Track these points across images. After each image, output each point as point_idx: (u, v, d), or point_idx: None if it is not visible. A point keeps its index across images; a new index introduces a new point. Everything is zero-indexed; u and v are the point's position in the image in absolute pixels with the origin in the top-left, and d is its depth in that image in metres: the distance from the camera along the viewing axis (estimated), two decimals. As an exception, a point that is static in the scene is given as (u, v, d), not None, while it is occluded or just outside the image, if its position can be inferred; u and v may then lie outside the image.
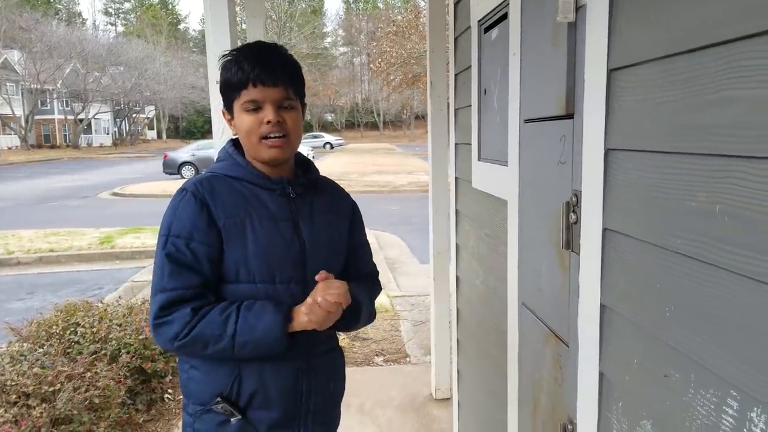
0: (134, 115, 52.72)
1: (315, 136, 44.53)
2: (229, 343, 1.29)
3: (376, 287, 1.59)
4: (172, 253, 1.31)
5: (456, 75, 2.51)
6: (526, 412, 1.61)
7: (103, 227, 10.59)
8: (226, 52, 1.40)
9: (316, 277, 1.34)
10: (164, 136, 55.44)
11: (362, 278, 1.53)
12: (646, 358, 0.96)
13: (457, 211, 2.58)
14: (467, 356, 2.44)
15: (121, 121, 52.47)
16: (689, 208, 0.82)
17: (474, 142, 2.11)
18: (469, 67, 2.14)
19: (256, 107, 1.35)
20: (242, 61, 1.35)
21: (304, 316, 1.31)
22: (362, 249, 1.59)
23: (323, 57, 58.44)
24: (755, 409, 0.71)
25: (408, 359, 4.43)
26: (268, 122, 1.34)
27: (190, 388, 1.41)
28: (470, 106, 2.14)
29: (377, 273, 1.63)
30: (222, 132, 2.43)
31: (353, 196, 1.62)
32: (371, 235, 9.10)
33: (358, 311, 1.44)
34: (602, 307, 1.09)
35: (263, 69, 1.34)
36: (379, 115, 64.72)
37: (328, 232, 1.47)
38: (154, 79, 45.91)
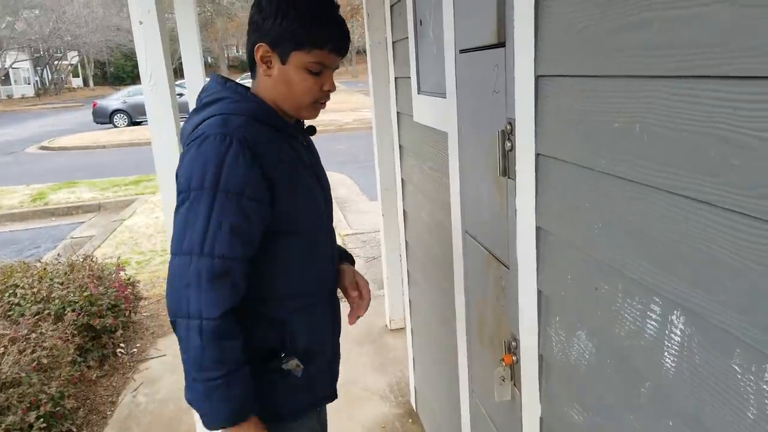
0: (56, 63, 49.20)
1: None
2: (197, 375, 1.18)
3: None
4: (224, 213, 1.16)
5: (391, 6, 2.46)
6: (473, 333, 1.69)
7: (34, 183, 10.10)
8: None
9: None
10: (91, 83, 52.17)
11: None
12: (578, 274, 1.02)
13: (400, 146, 2.59)
14: (418, 286, 2.52)
15: (43, 70, 48.89)
16: (612, 129, 0.86)
17: (413, 75, 2.09)
18: (404, -3, 2.09)
19: (320, 71, 1.28)
20: (330, 19, 1.27)
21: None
22: None
23: (256, -9, 55.47)
24: (675, 312, 0.77)
25: (362, 294, 4.52)
26: (328, 91, 1.31)
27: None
28: (407, 38, 2.11)
29: None
30: (151, 77, 2.32)
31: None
32: (318, 176, 9.08)
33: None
34: (538, 229, 1.14)
35: (344, 38, 1.28)
36: (318, 51, 62.63)
37: (326, 176, 1.48)
38: (74, 23, 42.64)
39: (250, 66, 1.33)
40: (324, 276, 1.42)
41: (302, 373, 1.33)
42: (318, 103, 1.33)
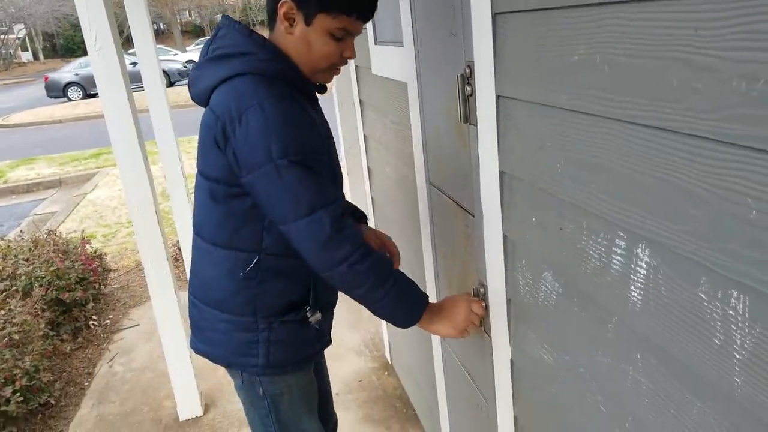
0: (2, 37, 46.78)
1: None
2: (379, 294, 1.23)
3: None
4: (317, 168, 1.20)
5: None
6: (442, 283, 1.68)
7: (-10, 163, 9.73)
8: None
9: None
10: (41, 56, 49.80)
11: None
12: (542, 215, 1.00)
13: (361, 101, 2.52)
14: (387, 243, 2.50)
15: (-13, 44, 46.46)
16: (572, 62, 0.83)
17: (368, 24, 2.01)
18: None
19: (342, 36, 1.25)
20: None
21: (443, 323, 1.32)
22: None
23: (208, -50, 53.13)
24: (640, 245, 0.76)
25: (334, 255, 4.51)
26: (348, 57, 1.29)
27: (263, 302, 1.33)
28: (361, -15, 2.02)
29: None
30: (96, 39, 2.19)
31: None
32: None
33: None
34: (501, 173, 1.12)
35: (372, 4, 1.26)
36: (276, 11, 60.63)
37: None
38: (15, -7, 40.39)
39: (270, 18, 1.29)
40: None
41: (318, 323, 1.39)
42: (335, 68, 1.31)
